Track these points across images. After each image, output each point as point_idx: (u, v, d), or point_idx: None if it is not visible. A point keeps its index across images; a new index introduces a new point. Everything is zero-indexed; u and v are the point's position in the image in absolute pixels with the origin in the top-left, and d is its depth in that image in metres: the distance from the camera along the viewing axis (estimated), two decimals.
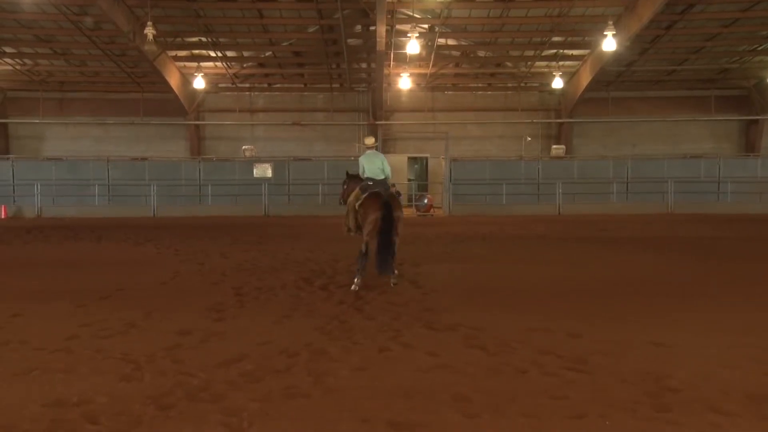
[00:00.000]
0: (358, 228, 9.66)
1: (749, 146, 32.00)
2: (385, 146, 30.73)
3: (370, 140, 10.46)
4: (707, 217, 23.91)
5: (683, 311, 7.34)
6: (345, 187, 10.86)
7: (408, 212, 27.20)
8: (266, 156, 30.33)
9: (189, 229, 19.89)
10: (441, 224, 21.94)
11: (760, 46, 27.61)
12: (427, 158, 32.49)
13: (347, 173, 11.07)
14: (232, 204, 27.91)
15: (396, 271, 9.52)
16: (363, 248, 9.32)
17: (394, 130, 32.50)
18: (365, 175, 9.96)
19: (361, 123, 32.50)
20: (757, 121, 31.50)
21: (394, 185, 10.25)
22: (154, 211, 27.55)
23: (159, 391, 4.69)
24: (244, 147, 30.28)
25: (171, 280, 9.80)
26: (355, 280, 9.09)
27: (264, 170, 28.84)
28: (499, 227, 20.02)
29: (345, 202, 10.35)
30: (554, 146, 30.85)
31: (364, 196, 9.50)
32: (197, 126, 32.76)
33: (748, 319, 6.98)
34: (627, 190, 28.51)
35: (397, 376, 5.04)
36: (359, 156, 10.40)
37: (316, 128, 32.67)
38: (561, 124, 32.40)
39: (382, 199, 9.16)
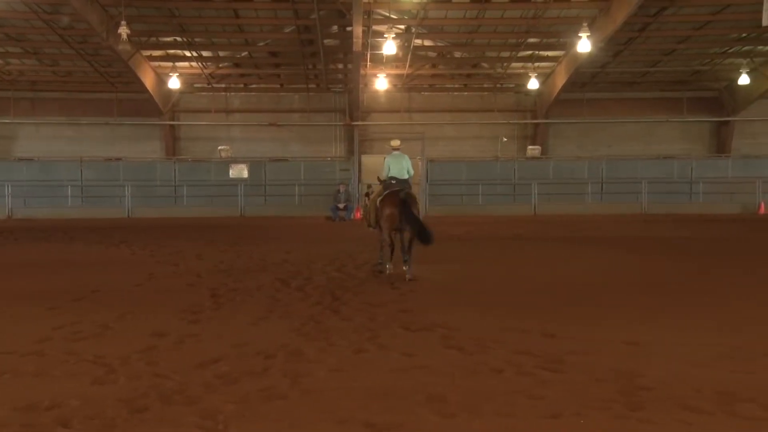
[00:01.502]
0: (377, 224, 10.61)
1: (720, 147, 32.45)
2: (361, 147, 30.73)
3: (396, 142, 11.16)
4: (680, 217, 24.24)
5: (656, 311, 7.44)
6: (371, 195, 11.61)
7: None
8: (242, 156, 30.16)
9: (164, 231, 19.73)
10: None
11: (730, 48, 28.04)
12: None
13: (379, 179, 11.25)
14: (207, 205, 27.74)
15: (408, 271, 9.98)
16: (383, 242, 10.46)
17: (371, 130, 32.47)
18: (389, 175, 10.67)
19: (338, 123, 32.46)
20: (727, 122, 31.97)
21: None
22: (128, 212, 27.31)
23: (133, 394, 4.64)
24: (219, 147, 30.09)
25: (146, 282, 9.72)
26: (387, 266, 10.30)
27: (240, 171, 28.71)
28: (475, 227, 20.12)
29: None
30: (530, 147, 31.05)
31: (385, 193, 10.38)
32: (172, 126, 32.47)
33: (719, 318, 7.09)
34: (602, 190, 28.82)
35: (374, 377, 5.04)
36: (384, 156, 11.17)
37: (293, 129, 32.53)
38: (537, 124, 32.60)
39: (399, 196, 10.01)
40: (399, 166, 10.69)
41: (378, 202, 10.46)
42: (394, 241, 10.28)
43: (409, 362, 5.40)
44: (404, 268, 9.99)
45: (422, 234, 9.67)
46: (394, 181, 10.54)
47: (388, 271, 10.22)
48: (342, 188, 26.36)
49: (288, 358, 5.53)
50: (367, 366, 5.35)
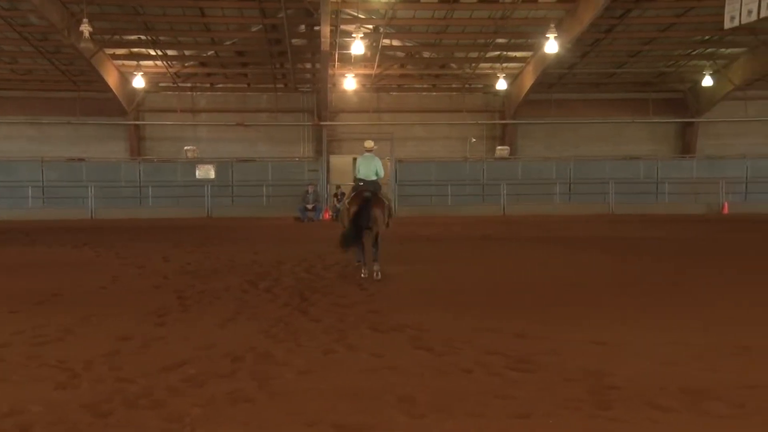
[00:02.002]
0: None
1: (685, 148, 33.02)
2: (330, 147, 30.67)
3: (369, 143, 11.34)
4: (647, 218, 24.61)
5: (624, 310, 7.53)
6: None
7: None
8: (209, 157, 29.91)
9: (129, 232, 19.50)
10: None
11: (694, 51, 28.59)
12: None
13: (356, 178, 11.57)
14: (173, 206, 27.45)
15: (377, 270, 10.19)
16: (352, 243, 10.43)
17: (339, 131, 32.43)
18: (358, 176, 10.94)
19: (306, 124, 32.35)
20: (692, 123, 32.57)
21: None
22: (92, 213, 26.91)
23: (96, 399, 4.56)
24: (186, 148, 29.79)
25: (110, 284, 9.59)
26: (362, 271, 10.36)
27: (207, 171, 28.47)
28: (444, 228, 20.20)
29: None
30: (499, 147, 31.29)
31: (352, 194, 10.77)
32: (137, 126, 32.07)
33: (686, 317, 7.20)
34: (570, 190, 29.16)
35: (343, 378, 5.02)
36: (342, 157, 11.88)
37: (260, 129, 32.35)
38: (505, 125, 32.86)
39: (363, 196, 10.33)
40: (368, 167, 10.93)
41: (347, 203, 10.78)
42: (363, 242, 10.50)
43: (379, 363, 5.39)
44: (374, 268, 10.21)
45: (365, 224, 10.16)
46: (362, 183, 10.84)
47: (363, 274, 10.31)
48: (310, 189, 26.28)
49: (256, 360, 5.49)
50: (336, 367, 5.33)
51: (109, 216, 26.36)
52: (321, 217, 25.68)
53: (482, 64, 29.92)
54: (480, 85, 32.81)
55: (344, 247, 10.49)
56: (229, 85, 32.71)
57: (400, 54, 29.91)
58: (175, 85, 31.63)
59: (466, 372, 5.14)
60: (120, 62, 29.17)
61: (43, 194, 27.55)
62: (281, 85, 32.51)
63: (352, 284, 9.52)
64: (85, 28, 21.16)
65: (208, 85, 32.69)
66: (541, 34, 24.06)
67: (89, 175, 27.87)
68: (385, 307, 7.72)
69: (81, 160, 29.26)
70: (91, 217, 26.73)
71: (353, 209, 10.29)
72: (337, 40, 25.73)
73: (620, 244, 15.37)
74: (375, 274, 10.07)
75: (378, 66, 29.34)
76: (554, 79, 31.25)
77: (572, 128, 32.83)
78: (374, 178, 10.97)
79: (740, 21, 17.82)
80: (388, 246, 14.77)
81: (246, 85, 32.86)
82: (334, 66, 28.44)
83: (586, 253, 13.49)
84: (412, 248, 14.80)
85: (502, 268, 11.31)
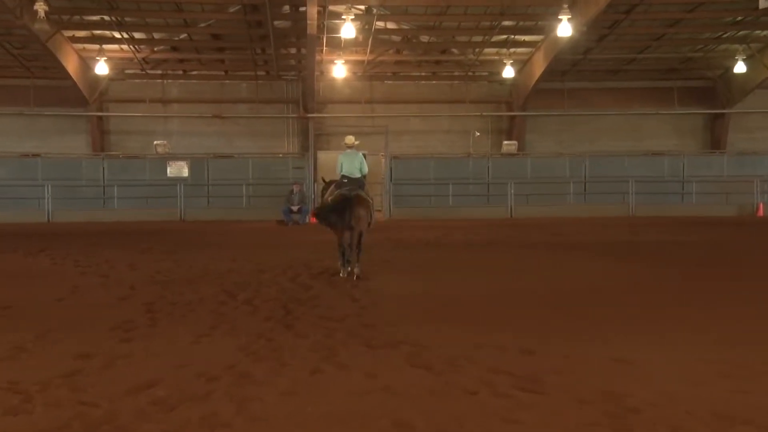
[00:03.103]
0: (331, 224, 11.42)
1: (714, 142, 33.03)
2: (317, 142, 30.66)
3: (350, 139, 12.24)
4: (671, 220, 24.66)
5: (646, 324, 7.55)
6: (323, 193, 12.87)
7: None
8: (182, 153, 29.85)
9: (91, 237, 19.45)
10: (380, 230, 21.94)
11: (725, 33, 28.46)
12: (364, 155, 32.43)
13: (323, 180, 13.22)
14: (142, 207, 27.41)
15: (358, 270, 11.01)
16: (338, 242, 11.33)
17: (328, 123, 32.41)
18: (341, 173, 11.76)
19: (291, 116, 32.33)
20: (722, 115, 32.57)
21: None
22: (48, 216, 26.85)
23: (53, 425, 4.54)
24: (155, 142, 29.72)
25: (69, 296, 9.57)
26: (341, 272, 11.14)
27: (179, 169, 28.43)
28: (444, 232, 20.21)
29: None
30: (505, 142, 31.30)
31: (336, 192, 11.48)
32: (100, 118, 31.97)
33: (718, 332, 7.21)
34: (585, 190, 29.21)
35: (332, 401, 5.02)
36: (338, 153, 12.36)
37: (239, 121, 32.31)
38: (512, 117, 32.89)
39: (347, 195, 11.09)
40: (352, 164, 11.76)
41: (329, 200, 11.56)
42: (344, 242, 11.23)
43: (372, 384, 5.39)
44: (354, 268, 11.01)
45: (352, 235, 10.97)
46: (346, 180, 11.63)
47: (342, 274, 11.13)
48: (296, 188, 26.26)
49: (234, 381, 5.48)
50: (323, 388, 5.33)
51: (68, 219, 26.28)
52: (307, 220, 25.65)
53: (487, 50, 29.95)
54: (484, 73, 32.84)
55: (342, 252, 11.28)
56: (204, 73, 32.66)
57: (395, 38, 29.94)
58: (144, 72, 31.56)
59: (470, 393, 5.14)
60: (80, 46, 29.08)
61: None
62: (263, 73, 32.47)
63: (342, 295, 9.52)
64: (40, 7, 21.10)
65: (180, 73, 32.63)
66: (553, 16, 24.10)
67: (45, 173, 27.79)
68: (379, 321, 7.72)
69: (36, 156, 29.17)
70: (48, 220, 26.65)
71: (336, 207, 11.07)
72: (326, 23, 25.73)
73: (641, 250, 15.42)
74: (355, 276, 10.82)
75: (371, 51, 29.35)
76: (567, 66, 31.30)
77: (587, 121, 32.88)
78: (358, 175, 11.75)
79: None
80: (381, 252, 14.82)
81: (223, 73, 32.81)
82: (321, 51, 28.43)
83: (603, 260, 13.52)
84: (408, 255, 14.81)
85: (509, 277, 11.33)
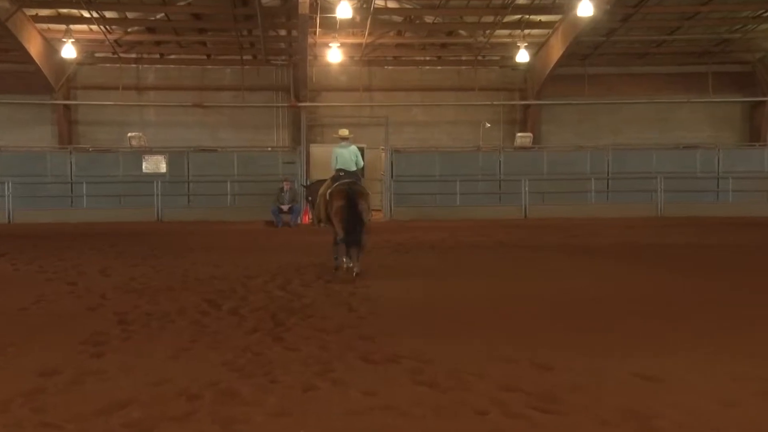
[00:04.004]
0: (328, 219, 12.43)
1: (754, 134, 33.02)
2: (309, 134, 30.71)
3: (344, 132, 13.49)
4: (703, 221, 24.64)
5: (673, 337, 7.56)
6: (307, 196, 14.22)
7: None
8: (159, 146, 29.86)
9: (58, 239, 19.45)
10: (380, 231, 21.96)
11: (766, 11, 28.34)
12: (362, 149, 32.45)
13: (303, 186, 14.42)
14: (114, 207, 27.38)
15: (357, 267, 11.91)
16: (336, 238, 12.26)
17: (321, 113, 32.47)
18: (337, 167, 12.75)
19: (280, 104, 32.37)
20: (762, 103, 32.52)
21: None
22: (9, 216, 26.82)
23: None
24: (129, 134, 29.75)
25: (33, 305, 9.56)
26: (342, 260, 12.23)
27: (156, 164, 28.41)
28: (451, 234, 20.22)
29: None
30: (519, 134, 31.33)
31: (334, 185, 12.31)
32: (67, 107, 32.03)
33: (752, 346, 7.21)
34: (607, 188, 29.16)
35: (326, 422, 5.03)
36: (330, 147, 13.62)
37: (223, 111, 32.36)
38: (527, 106, 32.94)
39: (348, 189, 12.00)
40: (347, 157, 12.78)
41: (327, 195, 12.34)
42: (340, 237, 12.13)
43: (371, 402, 5.40)
44: (353, 265, 11.89)
45: (353, 234, 11.79)
46: (342, 173, 12.57)
47: (345, 265, 12.14)
48: (286, 186, 26.25)
49: (218, 400, 5.49)
50: (317, 408, 5.33)
51: (31, 220, 26.26)
52: (299, 221, 25.67)
53: (499, 31, 29.98)
54: (496, 57, 32.89)
55: (339, 252, 12.36)
56: (184, 57, 32.70)
57: (396, 18, 29.98)
58: (116, 55, 31.59)
59: (479, 413, 5.15)
60: (45, 26, 29.10)
61: None
62: (249, 57, 32.52)
63: (338, 304, 9.53)
64: None
65: (157, 56, 32.68)
66: None
67: (6, 168, 27.72)
68: (379, 332, 7.73)
69: None
70: (9, 221, 26.63)
71: (337, 204, 11.89)
72: (319, 1, 25.77)
73: (670, 254, 15.42)
74: (354, 273, 11.73)
75: (369, 33, 29.37)
76: (588, 50, 31.34)
77: (611, 110, 32.91)
78: (354, 168, 12.79)
79: None
80: (381, 256, 14.84)
81: (205, 57, 32.85)
82: (314, 33, 28.46)
83: (627, 266, 13.53)
84: (411, 259, 14.82)
85: (522, 284, 11.33)
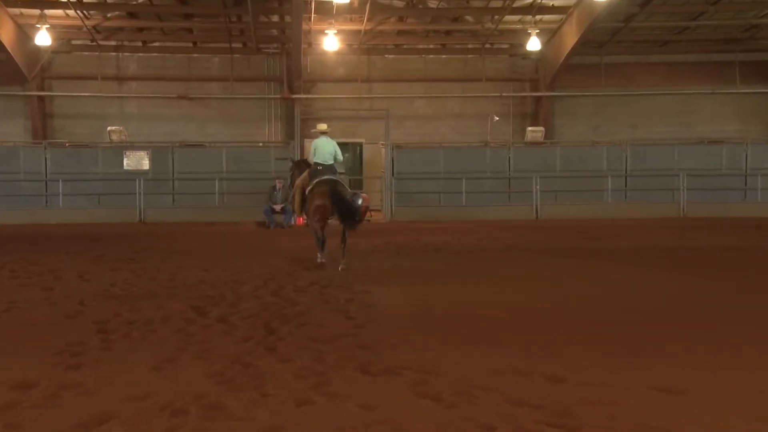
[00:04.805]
0: (302, 211, 14.27)
1: None
2: (304, 128, 30.65)
3: (323, 126, 14.87)
4: (730, 222, 24.65)
5: (695, 347, 7.57)
6: (293, 174, 15.47)
7: None
8: (141, 141, 29.90)
9: (32, 242, 19.48)
10: (380, 233, 22.01)
11: None
12: (361, 144, 32.54)
13: (292, 160, 16.60)
14: (93, 207, 27.43)
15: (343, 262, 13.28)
16: (317, 234, 13.95)
17: (317, 106, 32.46)
18: (315, 159, 14.06)
19: (273, 96, 32.38)
20: None
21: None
22: None
23: None
24: (109, 128, 29.76)
25: (4, 313, 9.58)
26: (319, 255, 13.94)
27: (138, 160, 28.45)
28: (456, 236, 20.24)
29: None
30: (530, 128, 31.33)
31: (314, 182, 13.64)
32: (42, 98, 32.02)
33: None
34: (625, 186, 29.20)
35: None
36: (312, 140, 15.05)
37: (211, 103, 32.37)
38: (538, 98, 32.93)
39: (329, 186, 13.43)
40: (325, 150, 14.12)
41: (307, 192, 13.76)
42: (325, 235, 13.85)
43: (369, 417, 5.41)
44: (340, 267, 13.06)
45: (350, 220, 13.34)
46: (320, 167, 13.92)
47: (320, 260, 13.81)
48: (279, 184, 26.28)
49: (205, 415, 5.50)
50: (313, 423, 5.34)
51: (3, 220, 26.28)
52: (293, 222, 25.68)
53: (508, 17, 29.99)
54: (505, 45, 32.89)
55: (321, 243, 14.01)
56: (168, 45, 32.69)
57: (398, 3, 29.99)
58: (94, 43, 31.59)
59: (486, 429, 5.16)
60: (17, 11, 29.07)
61: None
62: (239, 45, 32.52)
63: (335, 311, 9.54)
64: None
65: (139, 44, 32.68)
66: None
67: None
68: (378, 341, 7.74)
69: None
70: None
71: (318, 203, 13.40)
72: None
73: (693, 258, 15.44)
74: (340, 268, 13.05)
75: (368, 20, 29.38)
76: (605, 37, 31.33)
77: (629, 102, 32.89)
78: (332, 161, 14.16)
79: None
80: (381, 260, 14.88)
81: (191, 45, 32.85)
82: (309, 19, 28.46)
83: (646, 271, 13.54)
84: (413, 263, 14.83)
85: (533, 290, 11.34)
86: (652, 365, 6.77)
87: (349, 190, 14.55)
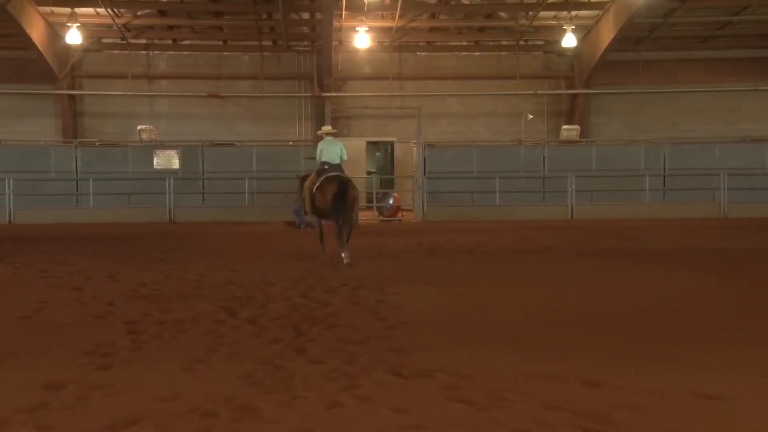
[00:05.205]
0: (314, 211, 15.39)
1: None
2: (335, 126, 30.56)
3: (327, 128, 16.30)
4: None
5: (738, 352, 7.47)
6: (301, 186, 16.54)
7: (369, 215, 27.24)
8: (171, 140, 30.09)
9: (61, 241, 19.64)
10: (412, 233, 21.99)
11: None
12: (392, 143, 32.57)
13: (298, 177, 17.83)
14: (123, 206, 27.60)
15: (347, 255, 14.24)
16: (317, 225, 15.66)
17: (348, 104, 32.53)
18: (322, 160, 15.18)
19: (303, 95, 32.48)
20: None
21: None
22: (10, 215, 27.12)
23: None
24: (139, 127, 29.99)
25: (35, 313, 9.65)
26: (322, 251, 15.48)
27: (168, 159, 28.61)
28: (489, 237, 20.17)
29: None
30: (565, 127, 31.20)
31: (321, 178, 14.73)
32: (72, 97, 32.35)
33: None
34: (664, 185, 28.96)
35: None
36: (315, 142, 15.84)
37: (241, 102, 32.53)
38: (574, 96, 32.79)
39: (337, 180, 14.47)
40: (332, 151, 15.25)
41: (315, 189, 14.85)
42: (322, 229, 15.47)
43: (401, 420, 5.40)
44: (344, 253, 14.20)
45: (346, 220, 14.55)
46: (327, 167, 15.05)
47: (322, 252, 15.42)
48: None
49: (235, 417, 5.52)
50: (343, 426, 5.34)
51: (33, 220, 26.55)
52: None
53: (543, 13, 29.88)
54: (540, 42, 32.77)
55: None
56: (198, 43, 32.90)
57: (430, 0, 29.92)
58: (125, 41, 31.86)
59: None
60: (48, 9, 29.40)
61: None
62: (269, 43, 32.64)
63: (365, 313, 9.53)
64: None
65: (169, 42, 32.91)
66: None
67: (6, 163, 28.05)
68: (410, 344, 7.72)
69: None
70: (9, 221, 26.92)
71: (330, 195, 14.32)
72: None
73: (734, 260, 15.26)
74: (345, 261, 13.98)
75: (400, 16, 29.40)
76: (643, 33, 31.13)
77: (668, 100, 32.66)
78: (338, 161, 15.19)
79: None
80: (412, 261, 14.85)
81: (221, 43, 33.03)
82: (340, 16, 28.53)
83: (685, 273, 13.41)
84: (445, 263, 14.80)
85: (567, 292, 11.27)
86: (691, 370, 6.70)
87: (358, 189, 15.52)
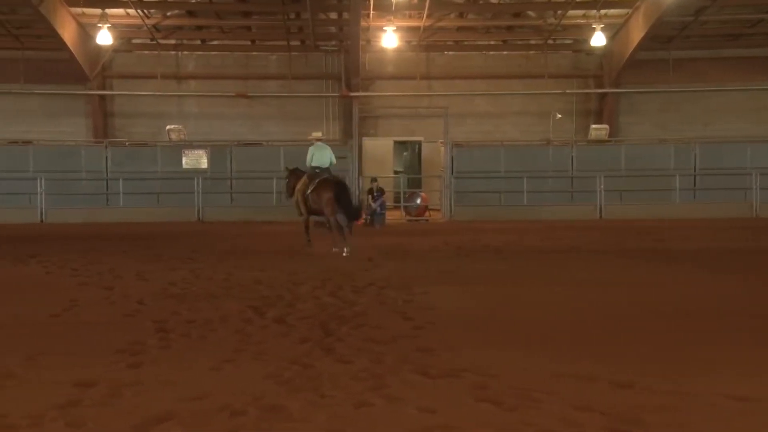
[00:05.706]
0: (310, 211, 16.52)
1: None
2: (362, 126, 30.79)
3: (317, 134, 17.96)
4: None
5: None
6: (288, 181, 17.85)
7: (396, 215, 27.24)
8: (200, 140, 30.22)
9: (92, 240, 19.78)
10: (439, 232, 21.96)
11: None
12: (420, 143, 32.54)
13: (287, 169, 18.63)
14: (152, 205, 27.75)
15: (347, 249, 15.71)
16: (327, 223, 16.53)
17: (375, 104, 32.52)
18: (312, 164, 16.49)
19: (331, 94, 32.51)
20: None
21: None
22: (41, 215, 27.34)
23: None
24: (168, 127, 30.16)
25: (65, 312, 9.73)
26: (307, 240, 16.99)
27: (197, 159, 28.74)
28: (517, 237, 20.12)
29: (292, 195, 17.30)
30: (593, 126, 31.04)
31: (316, 181, 15.95)
32: (102, 97, 32.57)
33: None
34: (694, 185, 28.74)
35: None
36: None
37: (269, 102, 32.61)
38: (603, 95, 32.60)
39: (332, 181, 15.95)
40: (322, 156, 16.52)
41: (309, 192, 16.01)
42: (332, 225, 16.21)
43: (429, 420, 5.40)
44: (344, 249, 15.61)
45: (353, 213, 16.15)
46: (318, 170, 16.29)
47: (309, 246, 16.72)
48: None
49: (263, 416, 5.53)
50: (371, 425, 5.35)
51: (64, 219, 26.72)
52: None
53: (572, 11, 29.74)
54: (568, 41, 32.62)
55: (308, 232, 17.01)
56: (227, 43, 33.03)
57: None
58: (154, 42, 32.04)
59: None
60: (79, 10, 29.61)
61: None
62: (297, 43, 32.72)
63: (393, 313, 9.53)
64: None
65: (198, 42, 33.07)
66: None
67: (38, 163, 28.30)
68: (437, 343, 7.72)
69: (26, 143, 29.74)
70: (41, 220, 27.13)
71: (328, 196, 15.58)
72: None
73: (765, 260, 15.14)
74: (344, 253, 15.44)
75: (428, 16, 29.36)
76: (674, 31, 30.90)
77: (698, 98, 32.40)
78: (328, 165, 16.53)
79: None
80: (439, 261, 14.84)
81: (249, 43, 33.14)
82: (368, 16, 28.54)
83: (716, 274, 13.31)
84: (473, 263, 14.76)
85: (596, 293, 11.21)
86: (723, 371, 6.65)
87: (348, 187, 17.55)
